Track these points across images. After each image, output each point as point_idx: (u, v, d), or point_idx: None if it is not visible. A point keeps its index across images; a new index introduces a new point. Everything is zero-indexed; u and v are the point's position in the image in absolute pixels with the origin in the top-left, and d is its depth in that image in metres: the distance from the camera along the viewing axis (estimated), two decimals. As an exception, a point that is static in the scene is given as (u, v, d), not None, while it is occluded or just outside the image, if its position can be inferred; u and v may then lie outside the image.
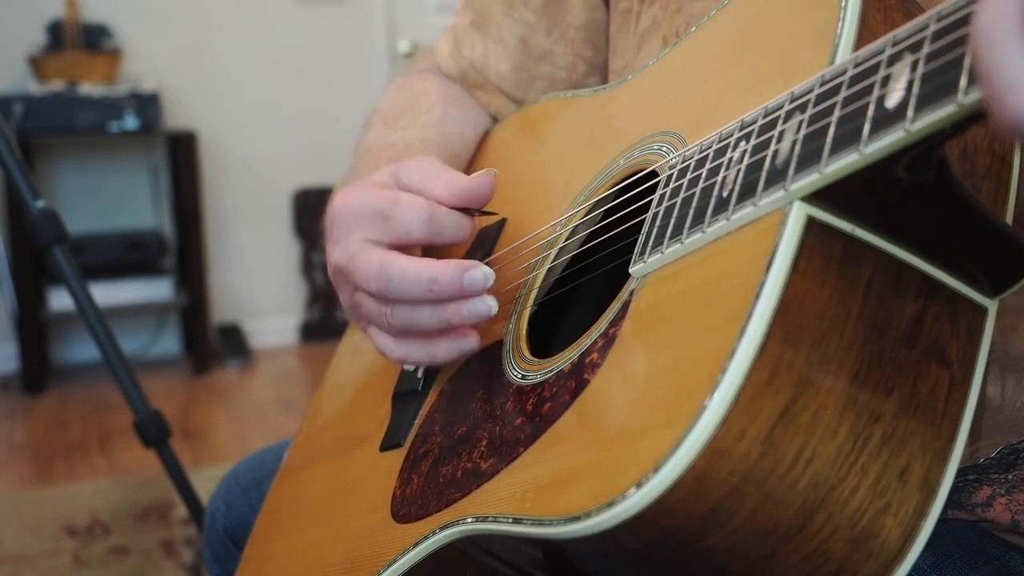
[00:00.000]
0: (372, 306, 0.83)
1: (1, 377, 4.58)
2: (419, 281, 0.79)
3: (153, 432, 1.89)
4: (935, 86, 0.49)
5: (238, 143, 5.04)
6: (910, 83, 0.51)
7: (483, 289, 0.79)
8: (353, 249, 0.82)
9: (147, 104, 4.45)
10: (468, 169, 1.14)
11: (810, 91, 0.59)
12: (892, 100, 0.52)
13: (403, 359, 0.86)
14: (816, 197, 0.57)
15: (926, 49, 0.51)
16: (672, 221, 0.67)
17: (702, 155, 0.68)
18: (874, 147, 0.52)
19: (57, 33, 4.49)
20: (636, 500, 0.55)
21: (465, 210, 0.85)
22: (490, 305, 0.80)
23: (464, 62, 1.18)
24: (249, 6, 5.01)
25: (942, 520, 0.59)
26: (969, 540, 0.80)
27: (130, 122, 4.41)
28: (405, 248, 0.84)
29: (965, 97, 0.47)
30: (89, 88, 4.38)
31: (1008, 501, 0.79)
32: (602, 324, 0.71)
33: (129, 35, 4.76)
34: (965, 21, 0.48)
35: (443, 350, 0.83)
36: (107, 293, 4.35)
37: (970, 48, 0.47)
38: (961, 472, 0.79)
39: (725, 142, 0.66)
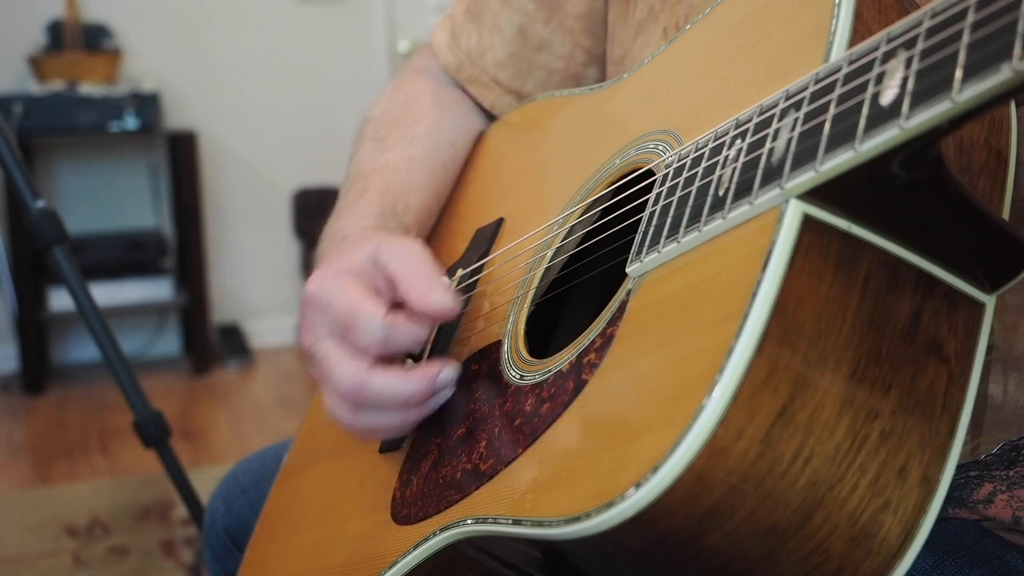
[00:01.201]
0: (339, 406, 0.85)
1: (1, 377, 4.58)
2: (394, 401, 0.81)
3: (153, 432, 1.89)
4: (930, 83, 0.49)
5: (238, 143, 5.04)
6: (904, 80, 0.51)
7: (451, 385, 0.83)
8: (325, 350, 0.84)
9: (147, 104, 4.45)
10: (463, 174, 1.15)
11: (805, 89, 0.59)
12: (887, 97, 0.52)
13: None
14: (812, 195, 0.56)
15: (920, 46, 0.51)
16: (668, 220, 0.67)
17: (698, 154, 0.68)
18: (869, 144, 0.52)
19: (57, 33, 4.49)
20: (635, 500, 0.55)
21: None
22: (448, 394, 0.83)
23: (461, 54, 1.17)
24: (249, 6, 5.01)
25: (943, 519, 0.59)
26: (970, 540, 0.80)
27: (130, 122, 4.41)
28: None
29: (959, 94, 0.47)
30: (89, 88, 4.38)
31: (1009, 498, 0.79)
32: (600, 324, 0.71)
33: (129, 35, 4.76)
34: (960, 17, 0.48)
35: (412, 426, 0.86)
36: (107, 293, 4.36)
37: (964, 45, 0.47)
38: (963, 468, 0.79)
39: (720, 140, 0.66)
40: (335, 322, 0.83)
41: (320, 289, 0.85)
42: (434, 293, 0.81)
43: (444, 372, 0.81)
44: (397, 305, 0.84)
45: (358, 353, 0.82)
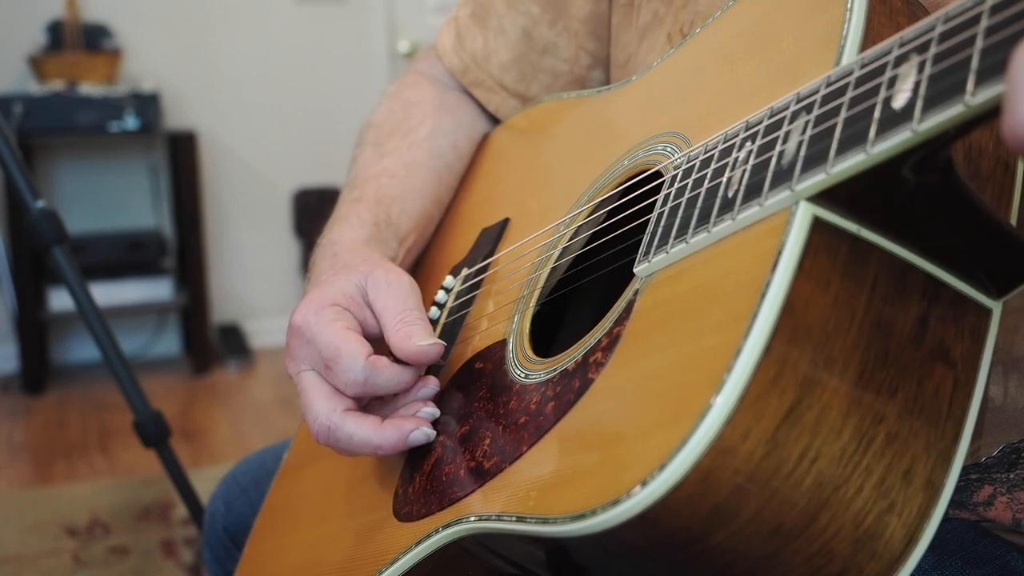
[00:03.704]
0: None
1: (1, 377, 4.58)
2: (364, 448, 0.82)
3: (153, 432, 1.89)
4: (942, 87, 0.49)
5: (238, 143, 5.04)
6: (917, 84, 0.51)
7: (427, 437, 0.83)
8: (305, 382, 0.85)
9: (147, 104, 4.45)
10: (469, 173, 1.15)
11: (816, 92, 0.59)
12: (899, 101, 0.52)
13: None
14: (822, 197, 0.57)
15: (933, 50, 0.51)
16: (677, 221, 0.67)
17: (707, 155, 0.68)
18: (880, 148, 0.52)
19: (57, 33, 4.49)
20: (641, 499, 0.55)
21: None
22: (428, 435, 0.83)
23: (467, 56, 1.18)
24: (249, 6, 5.01)
25: (945, 519, 0.59)
26: (970, 540, 0.81)
27: (130, 122, 4.41)
28: None
29: (972, 98, 0.47)
30: (89, 88, 4.38)
31: (1009, 500, 0.79)
32: (606, 323, 0.71)
33: (129, 35, 4.76)
34: (973, 22, 0.48)
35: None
36: (107, 293, 4.36)
37: (978, 50, 0.47)
38: (963, 471, 0.79)
39: (730, 142, 0.66)
40: (318, 356, 0.84)
41: (305, 321, 0.86)
42: (414, 338, 0.82)
43: (415, 433, 0.82)
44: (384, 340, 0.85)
45: (336, 392, 0.83)
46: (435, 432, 0.83)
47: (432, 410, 0.84)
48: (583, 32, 1.12)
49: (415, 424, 0.82)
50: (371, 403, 0.87)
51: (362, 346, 0.82)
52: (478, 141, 1.17)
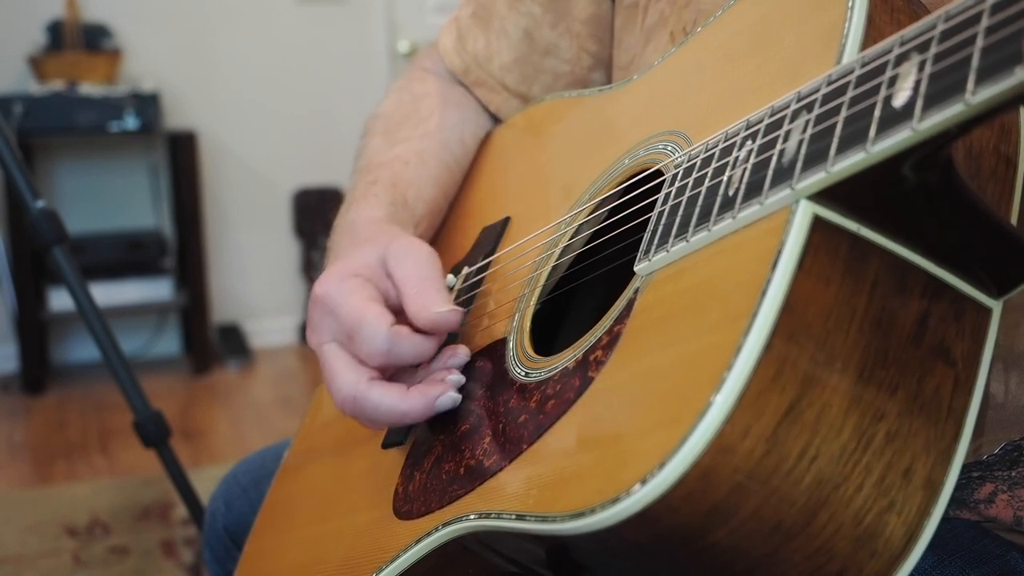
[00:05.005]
0: (341, 408, 0.85)
1: (1, 377, 4.58)
2: (391, 415, 0.82)
3: (153, 432, 1.89)
4: (943, 86, 0.49)
5: (238, 143, 5.04)
6: (917, 83, 0.51)
7: (453, 404, 0.83)
8: (328, 353, 0.85)
9: (147, 104, 4.45)
10: (470, 172, 1.15)
11: (817, 91, 0.60)
12: (899, 100, 0.52)
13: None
14: (822, 196, 0.57)
15: (934, 49, 0.51)
16: (677, 219, 0.67)
17: (708, 154, 0.68)
18: (881, 146, 0.52)
19: (57, 33, 4.49)
20: (640, 496, 0.55)
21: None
22: (455, 400, 0.83)
23: (468, 57, 1.18)
24: (249, 6, 5.01)
25: (945, 519, 0.59)
26: (970, 539, 0.81)
27: (130, 122, 4.41)
28: None
29: (973, 97, 0.47)
30: (89, 88, 4.38)
31: (1010, 497, 0.79)
32: (606, 322, 0.71)
33: (129, 35, 4.76)
34: (974, 21, 0.48)
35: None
36: (107, 293, 4.36)
37: (978, 48, 0.47)
38: (965, 469, 0.79)
39: (731, 141, 0.66)
40: (340, 327, 0.83)
41: (327, 292, 0.85)
42: (433, 307, 0.82)
43: (443, 398, 0.82)
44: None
45: (360, 362, 0.83)
46: (461, 397, 0.83)
47: (458, 377, 0.84)
48: (584, 34, 1.12)
49: (441, 389, 0.82)
50: (396, 375, 0.87)
51: (384, 315, 0.82)
52: (482, 137, 1.17)
